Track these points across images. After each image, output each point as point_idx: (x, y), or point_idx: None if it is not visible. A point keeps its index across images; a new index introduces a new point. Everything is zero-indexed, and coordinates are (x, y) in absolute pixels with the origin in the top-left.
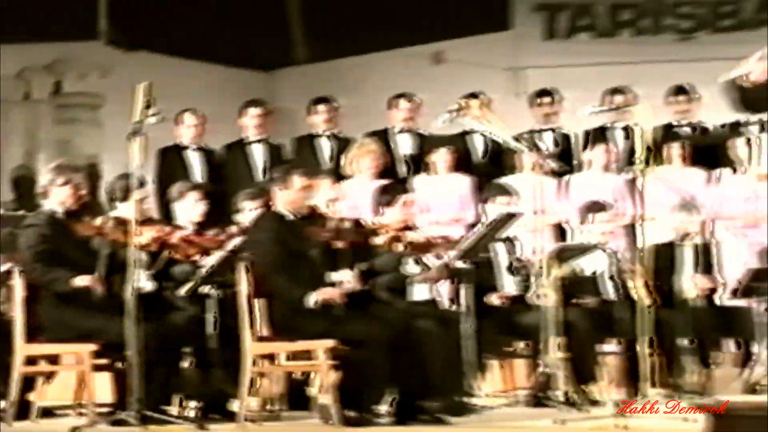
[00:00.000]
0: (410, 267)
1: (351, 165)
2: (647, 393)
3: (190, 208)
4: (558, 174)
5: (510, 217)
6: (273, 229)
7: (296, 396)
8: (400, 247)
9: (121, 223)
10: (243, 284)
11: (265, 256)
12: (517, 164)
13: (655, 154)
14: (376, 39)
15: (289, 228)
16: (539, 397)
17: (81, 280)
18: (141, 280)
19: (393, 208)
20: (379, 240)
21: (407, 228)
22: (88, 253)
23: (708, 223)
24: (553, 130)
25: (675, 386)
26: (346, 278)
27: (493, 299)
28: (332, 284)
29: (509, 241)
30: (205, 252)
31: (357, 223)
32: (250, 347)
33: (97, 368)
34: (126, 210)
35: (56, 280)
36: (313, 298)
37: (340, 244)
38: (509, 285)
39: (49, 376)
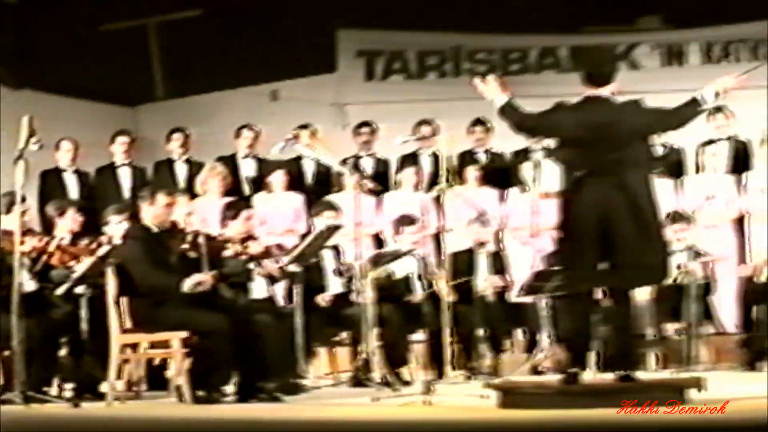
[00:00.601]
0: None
1: (203, 185)
2: (449, 374)
3: (66, 221)
4: (375, 192)
5: (335, 229)
6: (141, 238)
7: (156, 378)
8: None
9: (6, 233)
10: (110, 285)
11: (134, 262)
12: (340, 184)
13: (455, 175)
14: (224, 79)
15: (155, 238)
16: (360, 379)
17: None
18: (24, 282)
19: (236, 221)
20: (227, 250)
21: (249, 238)
22: None
23: (499, 233)
24: (371, 155)
25: (472, 369)
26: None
27: (320, 300)
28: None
29: (335, 249)
30: (78, 258)
31: (208, 235)
32: (117, 338)
33: None
34: (10, 222)
35: None
36: (188, 283)
37: (194, 254)
38: (335, 285)
39: None
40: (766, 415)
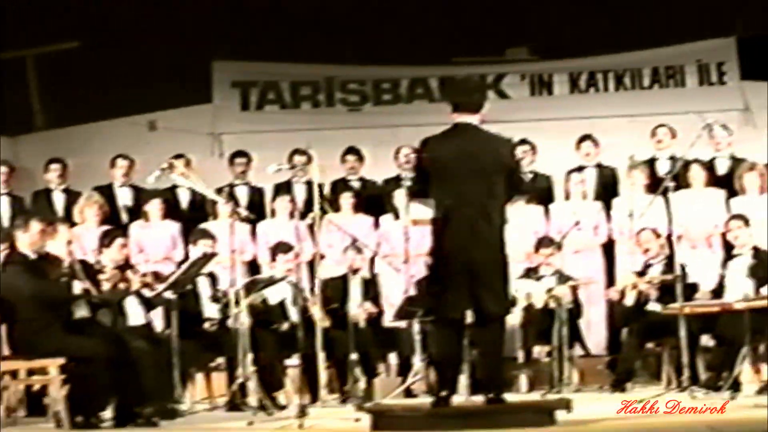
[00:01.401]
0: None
1: (80, 214)
2: (325, 398)
3: None
4: (250, 220)
5: (210, 257)
6: (19, 264)
7: (34, 404)
8: (121, 284)
9: None
10: None
11: (12, 289)
12: (215, 212)
13: (330, 203)
14: (101, 109)
15: (32, 265)
16: (236, 403)
17: None
18: None
19: (110, 249)
20: (103, 277)
21: (125, 266)
22: None
23: (373, 259)
24: (246, 184)
25: (346, 392)
26: (81, 309)
27: (205, 326)
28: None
29: (210, 276)
30: None
31: (85, 262)
32: None
33: None
34: None
35: None
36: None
37: (71, 281)
38: (211, 311)
39: None
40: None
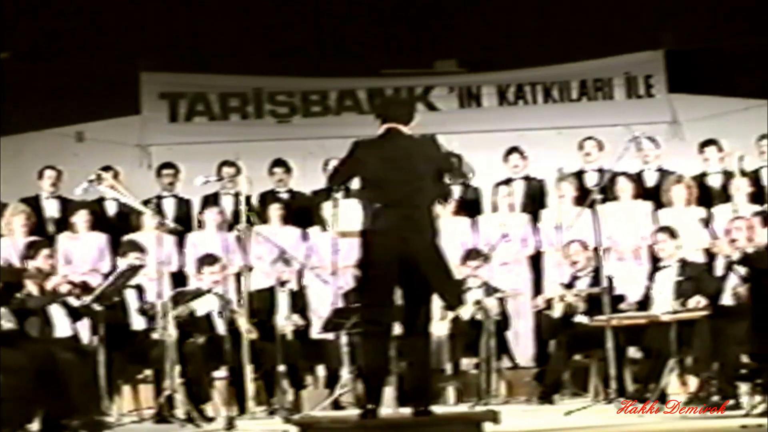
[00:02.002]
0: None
1: (7, 225)
2: (252, 410)
3: None
4: (177, 232)
5: (137, 268)
6: None
7: None
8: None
9: None
10: None
11: None
12: (143, 224)
13: (258, 215)
14: (29, 120)
15: None
16: (163, 416)
17: None
18: None
19: (36, 260)
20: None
21: (50, 275)
22: None
23: (301, 271)
24: (174, 196)
25: (274, 404)
26: (7, 321)
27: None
28: None
29: (138, 288)
30: None
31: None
32: None
33: None
34: None
35: None
36: None
37: None
38: (139, 323)
39: None
40: None
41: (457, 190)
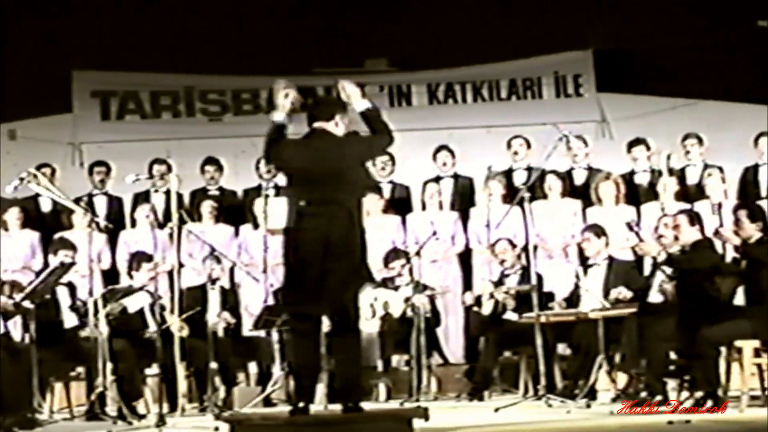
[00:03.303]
0: None
1: None
2: (184, 407)
3: None
4: (109, 230)
5: (69, 266)
6: None
7: None
8: None
9: None
10: None
11: None
12: (74, 222)
13: (189, 213)
14: None
15: None
16: (95, 413)
17: None
18: None
19: None
20: None
21: None
22: None
23: (233, 269)
24: (105, 193)
25: (205, 401)
26: None
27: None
28: None
29: (69, 285)
30: None
31: None
32: None
33: None
34: None
35: None
36: None
37: None
38: (71, 321)
39: None
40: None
41: (386, 189)
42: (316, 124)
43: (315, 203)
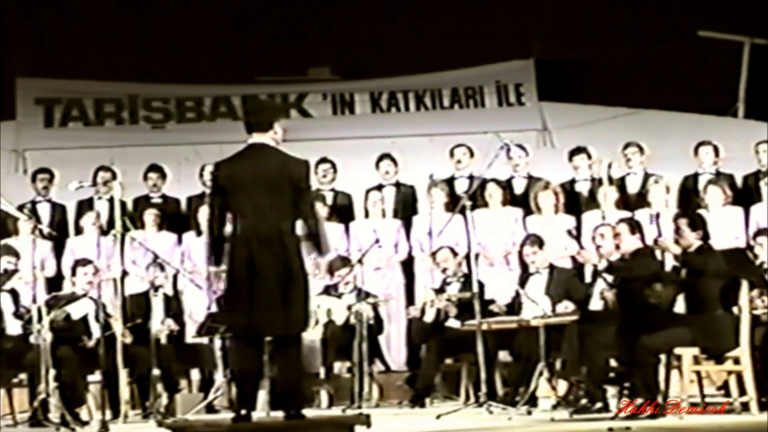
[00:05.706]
0: None
1: None
2: (127, 414)
3: None
4: (52, 237)
5: (12, 273)
6: None
7: None
8: None
9: None
10: None
11: None
12: (17, 229)
13: (132, 220)
14: None
15: None
16: (38, 419)
17: None
18: None
19: None
20: None
21: None
22: None
23: (177, 276)
24: (49, 201)
25: (148, 408)
26: None
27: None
28: None
29: (12, 292)
30: None
31: None
32: None
33: None
34: None
35: None
36: None
37: None
38: (14, 327)
39: None
40: None
41: (329, 197)
42: (254, 140)
43: (243, 217)
